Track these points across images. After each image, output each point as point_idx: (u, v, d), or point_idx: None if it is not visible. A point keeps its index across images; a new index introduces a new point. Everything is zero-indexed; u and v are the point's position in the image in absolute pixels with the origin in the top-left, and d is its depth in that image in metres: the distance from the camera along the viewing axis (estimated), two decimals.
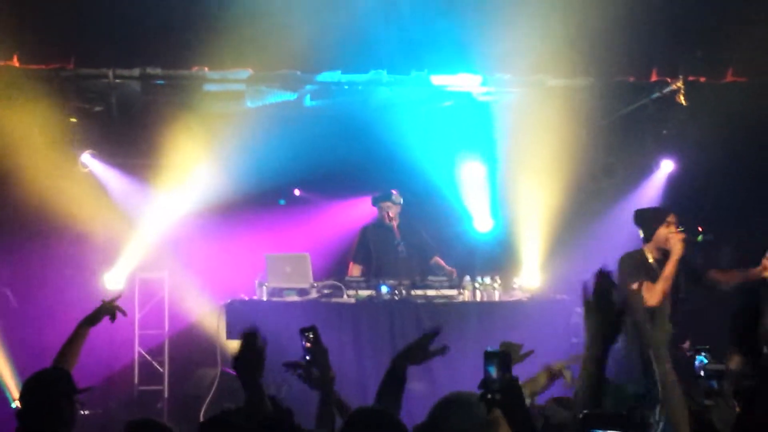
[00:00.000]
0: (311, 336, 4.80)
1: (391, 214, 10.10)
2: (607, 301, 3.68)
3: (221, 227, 10.75)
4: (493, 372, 3.62)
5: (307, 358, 4.78)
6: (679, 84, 10.13)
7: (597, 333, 3.66)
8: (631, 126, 11.20)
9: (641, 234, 7.94)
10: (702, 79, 10.06)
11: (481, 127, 11.31)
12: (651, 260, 7.81)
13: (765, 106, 10.03)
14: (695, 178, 11.15)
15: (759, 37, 9.36)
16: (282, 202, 11.87)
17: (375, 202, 10.25)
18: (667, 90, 10.35)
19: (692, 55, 9.89)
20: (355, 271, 10.09)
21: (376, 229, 10.25)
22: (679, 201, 11.26)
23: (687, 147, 11.04)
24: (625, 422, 2.84)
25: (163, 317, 10.63)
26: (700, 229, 7.77)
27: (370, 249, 10.15)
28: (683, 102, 10.13)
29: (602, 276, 3.69)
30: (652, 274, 7.71)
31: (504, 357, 3.62)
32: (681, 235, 7.66)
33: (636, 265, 7.75)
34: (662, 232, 7.75)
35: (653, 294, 7.60)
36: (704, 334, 7.34)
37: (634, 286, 7.58)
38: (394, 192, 10.19)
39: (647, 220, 7.92)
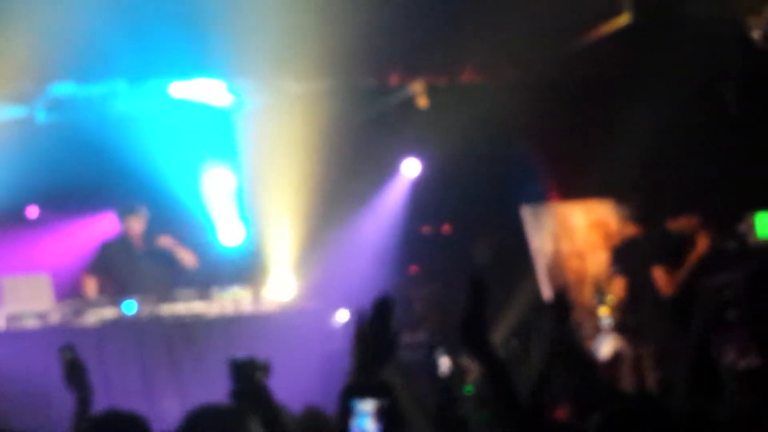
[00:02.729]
0: (69, 355, 4.75)
1: (135, 228, 9.88)
2: (383, 330, 3.70)
3: None
4: (238, 382, 3.76)
5: (66, 378, 4.70)
6: (419, 86, 10.30)
7: (364, 360, 3.70)
8: (376, 129, 11.39)
9: None
10: (441, 81, 10.29)
11: (226, 136, 11.20)
12: None
13: (501, 104, 10.39)
14: (439, 177, 11.44)
15: (493, 37, 9.62)
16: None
17: (120, 216, 10.01)
18: (408, 92, 10.54)
19: (431, 57, 10.05)
20: (89, 284, 9.76)
21: (117, 244, 10.03)
22: (425, 200, 11.58)
23: (430, 147, 11.33)
24: (382, 391, 2.82)
25: None
26: None
27: (111, 264, 9.88)
28: (423, 104, 10.35)
29: (381, 303, 3.71)
30: None
31: (246, 366, 3.76)
32: None
33: None
34: None
35: None
36: None
37: None
38: (137, 205, 9.96)
39: None
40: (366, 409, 2.94)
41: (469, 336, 3.53)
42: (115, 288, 9.68)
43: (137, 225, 9.90)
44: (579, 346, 4.92)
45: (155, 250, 9.93)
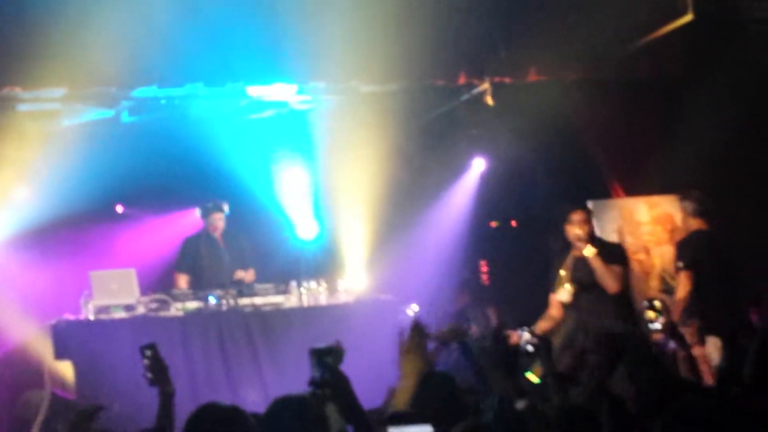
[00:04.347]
0: (150, 353, 4.83)
1: (218, 225, 10.21)
2: (421, 346, 3.94)
3: (44, 247, 10.58)
4: (318, 370, 3.81)
5: (148, 375, 4.81)
6: (486, 85, 10.45)
7: (410, 370, 4.03)
8: (443, 128, 11.52)
9: None
10: (507, 80, 10.38)
11: (301, 135, 11.46)
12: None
13: (564, 103, 10.53)
14: (505, 174, 11.57)
15: (557, 37, 9.77)
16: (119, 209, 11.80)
17: (203, 213, 10.33)
18: (475, 91, 10.62)
19: (497, 57, 10.19)
20: (181, 281, 10.15)
21: (200, 239, 10.34)
22: (491, 197, 11.72)
23: (496, 145, 11.47)
24: (425, 418, 2.94)
25: None
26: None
27: (195, 259, 10.23)
28: (490, 103, 10.47)
29: (416, 325, 3.98)
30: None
31: (326, 353, 3.83)
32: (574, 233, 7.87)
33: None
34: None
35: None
36: None
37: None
38: (220, 203, 10.30)
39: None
40: None
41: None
42: (199, 282, 10.03)
43: (219, 222, 10.25)
44: (646, 338, 5.07)
45: (235, 247, 10.30)
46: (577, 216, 7.92)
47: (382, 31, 9.37)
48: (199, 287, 9.79)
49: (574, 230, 7.86)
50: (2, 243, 10.37)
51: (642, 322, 6.82)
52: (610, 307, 7.69)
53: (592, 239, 7.87)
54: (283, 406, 4.14)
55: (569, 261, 7.95)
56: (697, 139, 9.83)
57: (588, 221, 7.95)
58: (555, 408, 4.13)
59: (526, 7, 9.86)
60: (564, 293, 7.90)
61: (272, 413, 4.15)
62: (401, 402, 3.98)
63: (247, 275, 10.23)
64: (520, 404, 3.87)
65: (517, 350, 4.06)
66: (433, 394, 4.27)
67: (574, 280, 7.85)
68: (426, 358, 4.03)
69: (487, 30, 9.91)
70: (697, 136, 9.83)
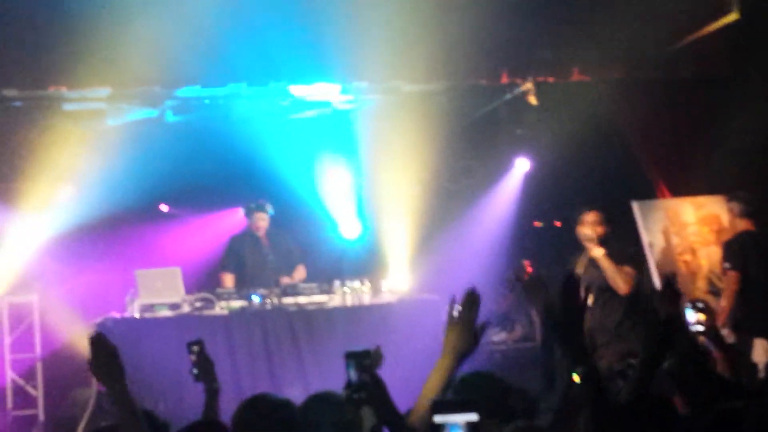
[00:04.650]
0: (197, 349, 4.84)
1: (261, 225, 10.28)
2: (470, 319, 3.90)
3: (89, 247, 10.70)
4: (354, 373, 3.73)
5: (194, 371, 4.82)
6: (529, 85, 10.41)
7: (453, 345, 3.91)
8: (487, 127, 11.50)
9: None
10: (550, 80, 10.34)
11: (343, 135, 11.49)
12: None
13: (608, 103, 10.46)
14: (549, 174, 11.52)
15: (600, 37, 9.70)
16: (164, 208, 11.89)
17: (248, 213, 10.38)
18: (518, 91, 10.57)
19: (540, 57, 10.14)
20: (227, 280, 10.20)
21: (245, 238, 10.41)
22: (535, 197, 11.68)
23: (540, 145, 11.42)
24: (471, 407, 2.94)
25: (35, 340, 10.53)
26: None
27: (240, 258, 10.28)
28: (533, 102, 10.42)
29: (470, 295, 3.93)
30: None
31: (363, 357, 3.73)
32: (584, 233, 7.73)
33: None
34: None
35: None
36: None
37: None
38: (264, 203, 10.35)
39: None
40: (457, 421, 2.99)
41: (565, 335, 3.67)
42: (242, 281, 10.08)
43: (262, 222, 10.32)
44: (692, 335, 4.99)
45: (280, 247, 10.35)
46: (590, 217, 7.71)
47: (424, 30, 9.32)
48: (242, 286, 9.83)
49: (585, 231, 7.67)
50: (48, 242, 10.48)
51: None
52: (621, 309, 7.52)
53: (606, 241, 7.64)
54: (319, 404, 4.18)
55: (582, 262, 7.82)
56: (743, 139, 9.73)
57: (602, 223, 7.70)
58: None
59: (569, 5, 9.80)
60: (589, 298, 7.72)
61: (308, 408, 4.19)
62: (435, 382, 3.90)
63: (296, 273, 10.29)
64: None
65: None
66: (477, 391, 4.21)
67: (585, 282, 7.62)
68: (473, 333, 3.95)
69: (531, 29, 9.86)
70: (743, 135, 9.73)
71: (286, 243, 10.44)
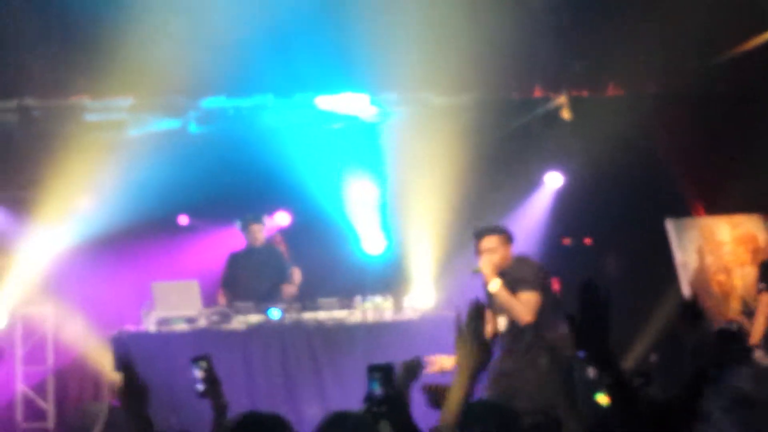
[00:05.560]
0: (205, 365, 4.71)
1: (260, 236, 10.25)
2: (478, 332, 3.76)
3: (106, 258, 10.62)
4: (376, 386, 3.73)
5: (200, 388, 4.71)
6: (563, 99, 10.24)
7: (465, 361, 3.76)
8: (518, 141, 11.33)
9: None
10: (584, 94, 10.18)
11: (370, 148, 11.36)
12: None
13: (642, 118, 10.26)
14: (580, 190, 11.33)
15: (636, 50, 9.52)
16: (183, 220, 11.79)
17: (244, 227, 10.33)
18: (550, 105, 10.45)
19: (574, 70, 9.98)
20: (221, 298, 10.07)
21: (240, 254, 10.39)
22: (566, 213, 11.49)
23: (572, 160, 11.25)
24: None
25: (47, 352, 10.44)
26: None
27: (236, 278, 10.20)
28: (567, 117, 10.25)
29: (475, 306, 3.76)
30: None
31: (387, 371, 3.74)
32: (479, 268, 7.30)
33: None
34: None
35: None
36: None
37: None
38: (260, 213, 10.43)
39: None
40: None
41: (588, 343, 3.50)
42: (236, 296, 9.93)
43: (259, 234, 10.29)
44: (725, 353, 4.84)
45: (273, 253, 10.29)
46: (486, 243, 7.34)
47: (455, 42, 9.19)
48: (241, 300, 9.68)
49: (479, 265, 7.26)
50: (66, 252, 10.39)
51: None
52: (531, 332, 7.06)
53: (507, 267, 7.21)
54: (337, 422, 4.00)
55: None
56: None
57: (502, 244, 7.32)
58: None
59: (604, 19, 9.62)
60: (501, 321, 7.27)
61: (324, 428, 4.01)
62: (453, 401, 3.75)
63: (294, 277, 10.16)
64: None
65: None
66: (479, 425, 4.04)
67: (495, 311, 7.23)
68: (483, 345, 3.78)
69: (565, 42, 9.71)
70: None
71: (275, 249, 10.41)
